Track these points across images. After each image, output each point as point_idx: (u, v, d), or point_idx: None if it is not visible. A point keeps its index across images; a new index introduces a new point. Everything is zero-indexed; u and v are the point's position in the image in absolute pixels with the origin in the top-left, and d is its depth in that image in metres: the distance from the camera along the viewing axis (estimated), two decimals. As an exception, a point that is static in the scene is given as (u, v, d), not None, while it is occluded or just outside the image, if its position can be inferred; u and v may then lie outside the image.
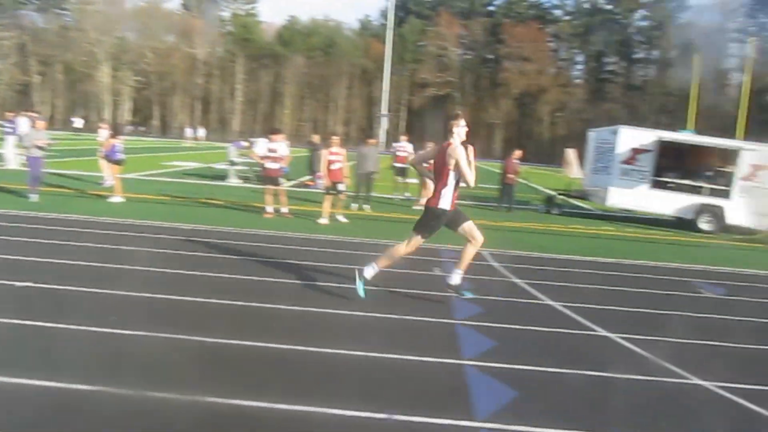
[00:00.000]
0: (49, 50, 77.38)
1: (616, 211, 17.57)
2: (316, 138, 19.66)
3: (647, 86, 78.10)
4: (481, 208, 16.66)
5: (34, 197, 12.03)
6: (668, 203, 15.62)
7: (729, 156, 15.65)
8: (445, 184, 6.19)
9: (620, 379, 4.85)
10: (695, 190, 15.61)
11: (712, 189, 15.51)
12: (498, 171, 17.33)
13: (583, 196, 17.83)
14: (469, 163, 6.12)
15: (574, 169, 20.19)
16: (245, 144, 20.38)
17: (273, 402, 3.89)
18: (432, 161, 6.43)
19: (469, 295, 6.67)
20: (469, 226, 6.44)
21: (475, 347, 5.23)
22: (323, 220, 11.81)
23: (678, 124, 27.74)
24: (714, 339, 6.10)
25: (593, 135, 17.64)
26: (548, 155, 65.27)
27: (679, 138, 16.33)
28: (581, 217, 16.96)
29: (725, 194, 15.38)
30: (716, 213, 15.31)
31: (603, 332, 5.96)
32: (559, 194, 18.47)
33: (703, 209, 15.36)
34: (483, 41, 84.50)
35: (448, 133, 6.23)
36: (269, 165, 12.28)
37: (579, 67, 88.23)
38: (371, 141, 15.14)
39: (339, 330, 5.51)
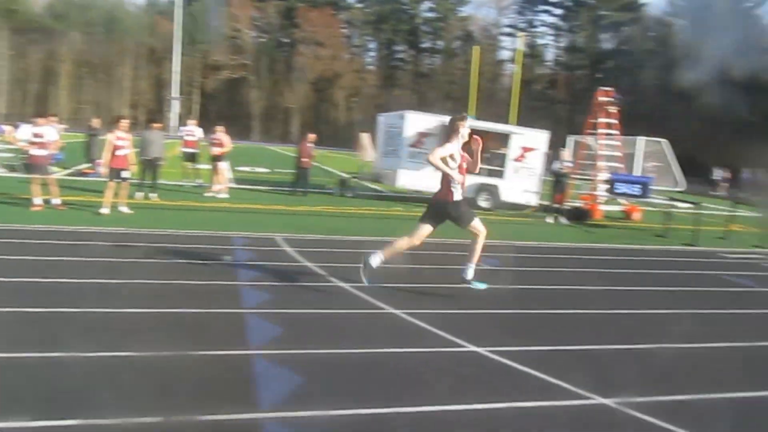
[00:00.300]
0: None
1: (405, 192, 18.43)
2: (95, 122, 18.04)
3: (434, 74, 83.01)
4: (277, 193, 16.52)
5: None
6: (451, 184, 16.68)
7: (503, 139, 17.11)
8: (450, 178, 6.51)
9: (403, 353, 5.04)
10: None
11: (489, 170, 16.86)
12: (293, 155, 17.26)
13: (375, 178, 18.45)
14: (478, 153, 6.62)
15: (368, 153, 20.82)
16: (7, 128, 18.10)
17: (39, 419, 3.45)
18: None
19: (482, 287, 6.82)
20: (473, 222, 6.77)
21: (262, 336, 5.12)
22: (104, 210, 10.86)
23: (462, 110, 29.82)
24: (487, 307, 6.61)
25: (382, 119, 18.29)
26: (344, 139, 66.76)
27: (460, 123, 17.51)
28: (374, 199, 17.54)
29: (500, 174, 16.83)
30: (492, 191, 16.71)
31: (390, 309, 6.16)
32: (353, 177, 18.93)
33: (481, 188, 16.67)
34: (278, 24, 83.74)
35: (453, 132, 6.53)
36: (35, 152, 11.01)
37: (372, 54, 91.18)
38: (156, 125, 14.25)
39: (118, 330, 5.07)
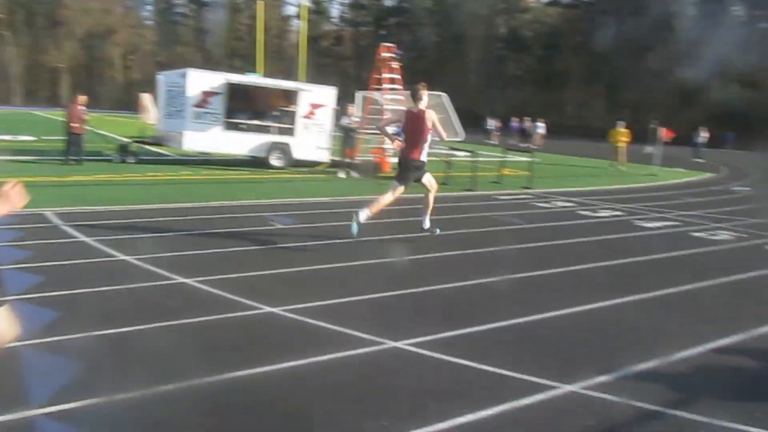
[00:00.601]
0: None
1: (193, 154, 17.63)
2: None
3: (218, 30, 79.68)
4: (48, 163, 14.88)
5: None
6: (241, 143, 16.30)
7: (291, 96, 16.98)
8: (425, 140, 7.80)
9: (199, 322, 4.84)
10: (265, 130, 16.59)
11: (279, 128, 16.68)
12: (62, 120, 15.58)
13: (159, 141, 17.37)
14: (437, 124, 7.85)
15: (151, 114, 19.53)
16: None
17: None
18: (394, 123, 8.89)
19: (439, 231, 8.19)
20: (427, 177, 8.02)
21: (34, 324, 4.59)
22: None
23: (250, 68, 28.99)
24: (279, 267, 6.59)
25: (163, 78, 17.19)
26: (123, 101, 61.99)
27: (246, 80, 17.06)
28: (158, 163, 16.54)
29: (291, 132, 16.74)
30: (284, 150, 16.59)
31: (180, 279, 5.88)
32: (134, 141, 17.65)
33: (273, 147, 16.47)
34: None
35: (418, 99, 7.79)
36: None
37: (148, 8, 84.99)
38: None
39: None
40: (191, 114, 15.65)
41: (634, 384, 4.10)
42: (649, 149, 23.37)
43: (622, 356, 4.53)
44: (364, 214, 7.61)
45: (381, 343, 4.55)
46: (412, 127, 7.86)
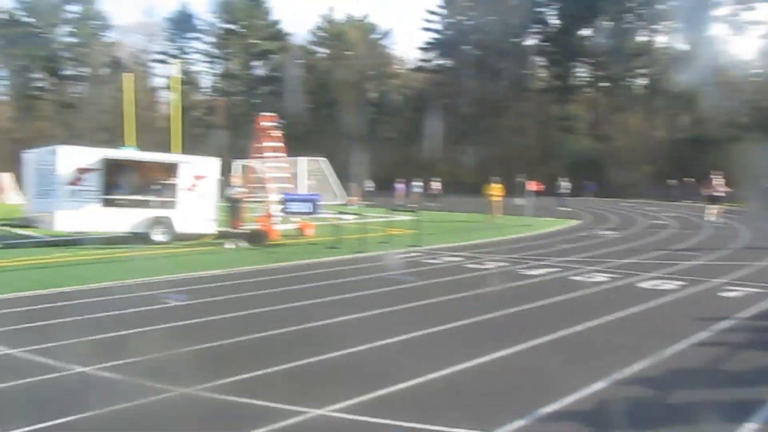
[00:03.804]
0: None
1: (68, 235, 16.67)
2: None
3: (82, 104, 76.58)
4: None
5: None
6: (121, 220, 15.64)
7: (171, 169, 16.61)
8: None
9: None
10: (145, 204, 16.05)
11: (161, 201, 16.21)
12: None
13: (27, 223, 16.29)
14: None
15: (11, 195, 18.39)
16: None
17: None
18: None
19: None
20: None
21: None
22: None
23: (118, 141, 28.07)
24: (185, 345, 6.39)
25: (31, 157, 16.29)
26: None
27: (122, 155, 16.56)
28: (28, 247, 15.47)
29: (173, 205, 16.30)
30: (167, 223, 16.10)
31: (78, 368, 5.54)
32: (0, 224, 16.45)
33: (155, 221, 15.94)
34: None
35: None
36: None
37: (3, 82, 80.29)
38: None
39: None
40: (64, 192, 14.86)
41: (549, 426, 4.35)
42: (520, 201, 24.88)
43: (532, 400, 4.79)
44: None
45: (302, 413, 4.53)
46: None
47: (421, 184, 38.06)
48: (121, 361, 5.73)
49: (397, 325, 7.53)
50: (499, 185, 24.40)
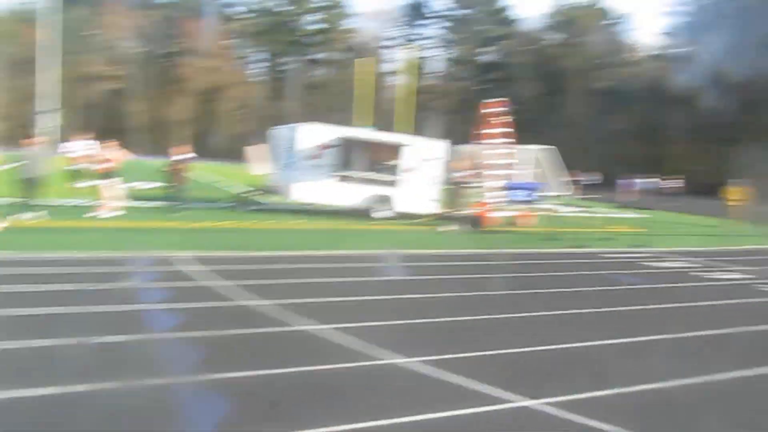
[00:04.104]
0: None
1: (304, 204, 18.29)
2: None
3: (323, 85, 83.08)
4: (164, 209, 15.68)
5: None
6: (349, 195, 16.81)
7: (398, 150, 17.38)
8: None
9: (321, 370, 5.00)
10: (372, 182, 17.03)
11: (386, 180, 17.09)
12: (167, 169, 16.33)
13: (271, 191, 18.17)
14: None
15: (258, 166, 20.51)
16: None
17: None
18: None
19: None
20: None
21: (185, 360, 4.90)
22: None
23: (351, 121, 30.00)
24: (411, 317, 6.69)
25: (276, 132, 18.09)
26: (232, 152, 65.40)
27: (358, 134, 17.68)
28: (271, 212, 17.24)
29: (396, 184, 17.10)
30: (389, 201, 16.94)
31: (307, 327, 6.09)
32: (249, 191, 18.55)
33: (378, 199, 16.87)
34: (160, 34, 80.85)
35: None
36: None
37: (258, 65, 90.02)
38: (32, 141, 13.31)
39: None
40: (302, 166, 16.32)
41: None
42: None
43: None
44: None
45: (510, 401, 4.52)
46: None
47: (656, 180, 35.44)
48: (340, 324, 6.18)
49: (610, 327, 7.16)
50: (740, 188, 22.01)
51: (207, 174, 31.45)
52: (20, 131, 61.58)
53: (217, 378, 4.60)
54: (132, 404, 4.13)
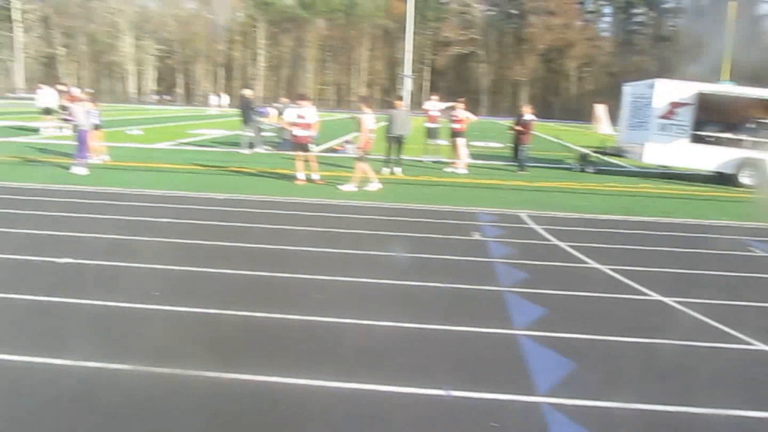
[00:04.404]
0: (72, 21, 77.45)
1: (652, 167, 17.10)
2: (248, 93, 18.78)
3: (677, 37, 75.65)
4: (505, 169, 16.13)
5: (79, 170, 12.07)
6: (708, 158, 15.14)
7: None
8: None
9: (678, 345, 4.64)
10: (736, 144, 15.06)
11: (754, 142, 14.95)
12: (509, 130, 16.53)
13: (618, 152, 17.33)
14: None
15: (603, 125, 19.70)
16: (270, 111, 20.00)
17: (329, 379, 3.77)
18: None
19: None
20: None
21: (525, 316, 5.06)
22: (348, 187, 11.44)
23: (708, 76, 26.79)
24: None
25: (628, 89, 17.06)
26: (576, 111, 64.05)
27: (720, 90, 15.73)
28: (617, 174, 16.50)
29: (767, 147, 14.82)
30: (759, 166, 14.77)
31: (656, 296, 5.73)
32: (594, 152, 17.98)
33: (744, 163, 14.84)
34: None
35: None
36: (298, 131, 12.09)
37: (606, 19, 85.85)
38: (399, 103, 14.83)
39: (383, 300, 5.37)
40: (656, 126, 15.18)
41: None
42: None
43: None
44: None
45: None
46: None
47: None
48: (698, 300, 5.66)
49: None
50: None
51: (552, 134, 31.39)
52: (382, 95, 69.22)
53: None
54: (481, 346, 4.40)
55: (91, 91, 16.50)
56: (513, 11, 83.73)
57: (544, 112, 57.84)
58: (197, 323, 4.66)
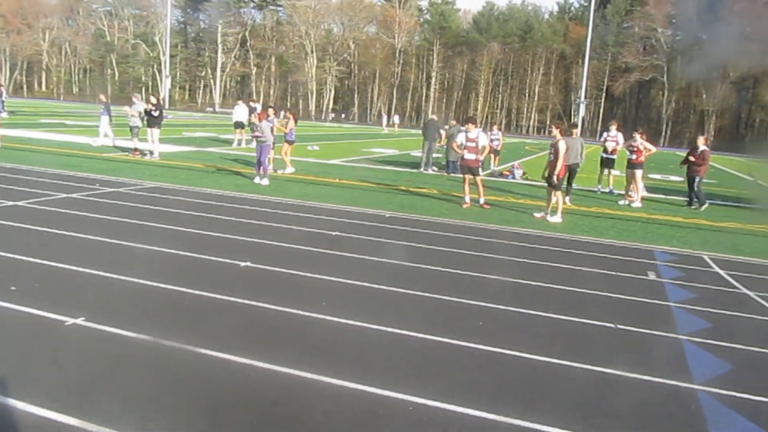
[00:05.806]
0: (265, 44, 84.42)
1: None
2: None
3: None
4: (675, 204, 14.85)
5: (261, 181, 13.10)
6: None
7: None
8: None
9: None
10: None
11: None
12: (684, 160, 14.81)
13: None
14: None
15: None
16: (443, 132, 20.20)
17: (484, 410, 3.72)
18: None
19: None
20: None
21: (706, 369, 4.64)
22: (552, 217, 11.17)
23: None
24: None
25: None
26: (772, 146, 58.10)
27: None
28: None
29: None
30: None
31: None
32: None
33: None
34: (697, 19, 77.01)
35: None
36: (467, 155, 12.12)
37: (816, 44, 77.13)
38: (575, 130, 14.35)
39: (549, 336, 5.19)
40: None
41: None
42: None
43: None
44: None
45: None
46: None
47: None
48: None
49: None
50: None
51: (744, 170, 28.74)
52: (552, 120, 67.40)
53: None
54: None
55: (294, 111, 17.85)
56: (703, 36, 78.00)
57: (734, 145, 53.22)
58: (392, 342, 4.81)
